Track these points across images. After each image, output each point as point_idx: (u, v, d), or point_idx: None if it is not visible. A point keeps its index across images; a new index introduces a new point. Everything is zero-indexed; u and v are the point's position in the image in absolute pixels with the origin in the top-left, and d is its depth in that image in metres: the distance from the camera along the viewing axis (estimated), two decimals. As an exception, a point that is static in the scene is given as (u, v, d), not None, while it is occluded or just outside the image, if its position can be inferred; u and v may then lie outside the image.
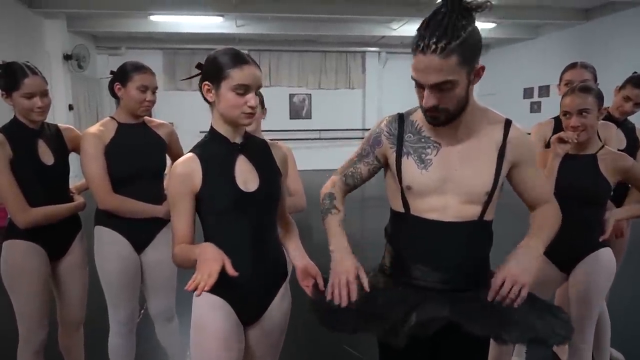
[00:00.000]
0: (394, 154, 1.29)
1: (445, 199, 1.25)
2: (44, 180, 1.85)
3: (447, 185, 1.24)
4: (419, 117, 1.29)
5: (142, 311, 2.19)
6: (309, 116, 11.14)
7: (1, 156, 1.74)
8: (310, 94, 11.06)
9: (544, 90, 8.94)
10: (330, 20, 8.47)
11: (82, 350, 2.15)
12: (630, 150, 2.28)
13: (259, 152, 1.41)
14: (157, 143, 1.99)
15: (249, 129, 2.08)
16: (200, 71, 1.34)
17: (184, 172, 1.30)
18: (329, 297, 1.22)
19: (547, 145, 2.19)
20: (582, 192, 1.83)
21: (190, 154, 1.33)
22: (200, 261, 1.16)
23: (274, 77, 10.76)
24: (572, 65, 2.32)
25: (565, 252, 1.90)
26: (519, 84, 9.78)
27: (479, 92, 11.20)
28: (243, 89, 1.26)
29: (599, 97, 1.81)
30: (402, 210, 1.31)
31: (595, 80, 2.26)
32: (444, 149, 1.25)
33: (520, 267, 1.19)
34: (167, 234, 1.99)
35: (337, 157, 10.60)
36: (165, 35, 9.24)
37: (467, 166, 1.23)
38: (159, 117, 2.12)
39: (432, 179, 1.24)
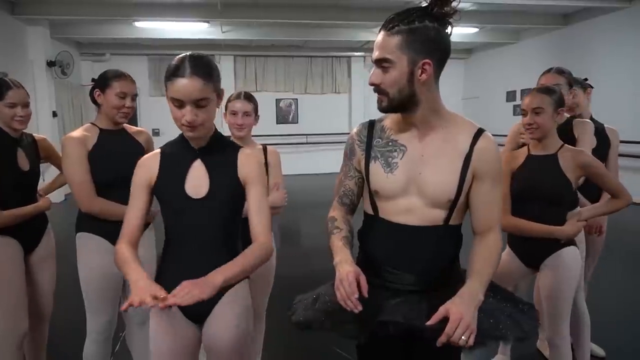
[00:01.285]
0: (364, 159, 1.32)
1: (410, 201, 1.26)
2: (19, 185, 2.00)
3: (411, 187, 1.26)
4: (388, 122, 1.31)
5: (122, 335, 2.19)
6: (295, 121, 11.18)
7: None
8: (296, 99, 11.10)
9: (527, 94, 9.10)
10: (315, 26, 8.53)
11: (45, 344, 2.20)
12: (601, 149, 2.36)
13: (222, 157, 1.38)
14: (136, 149, 2.03)
15: (238, 134, 2.10)
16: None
17: (145, 163, 1.38)
18: (342, 304, 1.17)
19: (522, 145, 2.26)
20: (544, 193, 1.89)
21: (157, 150, 1.41)
22: (132, 290, 1.20)
23: (260, 83, 10.78)
24: (547, 71, 2.37)
25: (531, 250, 1.97)
26: (501, 88, 9.96)
27: (463, 96, 11.39)
28: (177, 103, 1.26)
29: (557, 100, 1.88)
30: (371, 212, 1.34)
31: (571, 85, 2.33)
32: (409, 152, 1.26)
33: (470, 315, 1.11)
34: (149, 235, 2.06)
35: (324, 161, 10.59)
36: (150, 41, 9.20)
37: (430, 171, 1.24)
38: (144, 123, 2.18)
39: (396, 182, 1.26)
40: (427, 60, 1.16)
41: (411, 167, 1.25)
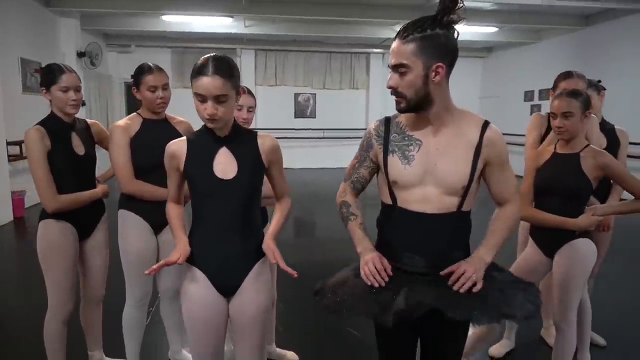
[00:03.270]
0: (382, 152, 1.45)
1: (426, 191, 1.40)
2: (75, 169, 2.09)
3: (428, 178, 1.39)
4: (403, 119, 1.46)
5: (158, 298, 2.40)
6: (313, 115, 11.34)
7: (41, 149, 1.97)
8: (315, 94, 11.26)
9: (544, 94, 9.11)
10: (336, 22, 8.67)
11: (100, 323, 2.37)
12: (610, 150, 2.47)
13: (244, 143, 1.56)
14: (175, 138, 2.21)
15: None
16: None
17: (173, 150, 1.56)
18: (368, 284, 1.40)
19: (544, 138, 2.38)
20: (564, 189, 2.03)
21: (184, 137, 1.59)
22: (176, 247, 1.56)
23: (280, 77, 10.98)
24: (568, 75, 2.45)
25: (550, 240, 2.12)
26: (520, 87, 9.97)
27: (480, 94, 11.41)
28: (201, 98, 1.42)
29: (585, 103, 2.01)
30: (390, 202, 1.46)
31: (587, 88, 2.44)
32: (424, 146, 1.40)
33: (472, 270, 1.37)
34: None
35: (340, 155, 10.76)
36: (174, 34, 9.45)
37: (445, 162, 1.38)
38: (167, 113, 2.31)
39: (414, 173, 1.39)
40: (440, 64, 1.30)
41: (427, 159, 1.39)
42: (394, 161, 1.42)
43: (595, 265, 2.64)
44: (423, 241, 1.43)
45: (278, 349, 2.60)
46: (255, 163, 1.57)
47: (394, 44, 1.33)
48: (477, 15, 7.99)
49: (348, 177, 1.59)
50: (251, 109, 2.22)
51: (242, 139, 1.57)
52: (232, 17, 8.19)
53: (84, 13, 7.96)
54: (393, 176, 1.43)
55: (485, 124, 1.42)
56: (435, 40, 1.29)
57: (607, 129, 2.57)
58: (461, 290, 1.34)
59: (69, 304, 2.14)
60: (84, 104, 7.94)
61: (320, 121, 11.25)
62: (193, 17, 8.29)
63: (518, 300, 1.39)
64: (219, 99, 1.42)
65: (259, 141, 1.59)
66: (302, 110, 11.34)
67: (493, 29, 8.95)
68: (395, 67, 1.33)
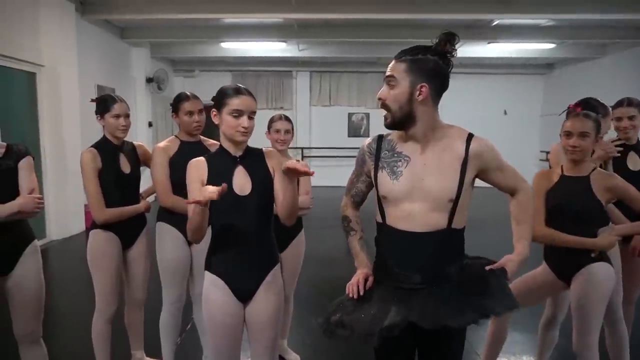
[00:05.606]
0: (373, 168, 1.55)
1: (413, 207, 1.46)
2: (121, 185, 2.35)
3: (415, 193, 1.46)
4: (394, 137, 1.54)
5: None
6: (367, 134, 11.37)
7: (93, 167, 2.26)
8: (368, 113, 11.36)
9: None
10: (387, 44, 8.78)
11: (142, 325, 2.61)
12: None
13: (255, 161, 1.75)
14: None
15: (281, 148, 2.50)
16: (214, 102, 1.74)
17: (197, 164, 1.71)
18: (348, 293, 1.52)
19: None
20: (576, 212, 2.01)
21: (202, 157, 1.73)
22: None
23: (334, 97, 11.22)
24: (620, 103, 2.50)
25: (564, 264, 2.08)
26: (584, 104, 9.45)
27: (542, 112, 10.95)
28: (237, 113, 1.64)
29: (597, 126, 2.00)
30: (380, 220, 1.55)
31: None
32: (412, 162, 1.47)
33: (514, 266, 1.51)
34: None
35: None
36: (233, 59, 10.03)
37: (431, 176, 1.45)
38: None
39: (401, 188, 1.47)
40: (424, 84, 1.42)
41: (414, 174, 1.46)
42: (384, 177, 1.51)
43: (634, 291, 2.52)
44: (413, 258, 1.48)
45: (287, 347, 2.77)
46: (266, 178, 1.74)
47: (391, 63, 1.47)
48: (533, 32, 7.78)
49: (348, 191, 1.70)
50: (288, 132, 2.54)
51: (252, 158, 1.76)
52: (285, 42, 8.59)
53: (154, 43, 8.72)
54: (383, 191, 1.51)
55: (470, 137, 1.48)
56: (424, 63, 1.43)
57: None
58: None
59: (113, 306, 2.39)
60: (150, 125, 8.73)
61: (373, 140, 11.28)
62: (249, 43, 8.78)
63: (497, 296, 1.45)
64: (251, 115, 1.69)
65: (266, 157, 1.77)
66: (356, 129, 11.48)
67: (550, 45, 8.64)
68: (387, 78, 1.47)
